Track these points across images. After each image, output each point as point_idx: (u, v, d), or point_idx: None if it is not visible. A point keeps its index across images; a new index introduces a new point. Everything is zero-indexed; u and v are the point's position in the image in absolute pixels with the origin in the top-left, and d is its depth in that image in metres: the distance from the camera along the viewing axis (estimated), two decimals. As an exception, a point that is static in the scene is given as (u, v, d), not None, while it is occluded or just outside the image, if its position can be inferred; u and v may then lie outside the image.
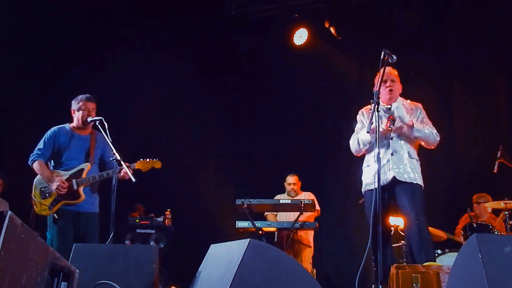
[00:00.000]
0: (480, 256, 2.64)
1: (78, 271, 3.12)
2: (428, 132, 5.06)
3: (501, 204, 6.66)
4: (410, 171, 4.97)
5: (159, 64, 9.33)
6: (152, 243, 7.94)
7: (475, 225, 6.52)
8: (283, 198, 7.30)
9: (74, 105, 5.65)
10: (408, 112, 5.11)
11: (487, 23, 8.13)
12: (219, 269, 3.53)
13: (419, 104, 5.30)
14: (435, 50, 8.36)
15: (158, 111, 9.51)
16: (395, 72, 5.27)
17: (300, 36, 9.25)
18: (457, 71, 8.43)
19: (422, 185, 5.04)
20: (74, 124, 5.67)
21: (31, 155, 5.53)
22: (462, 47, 8.28)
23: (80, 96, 5.65)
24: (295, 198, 7.42)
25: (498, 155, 6.61)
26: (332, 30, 8.88)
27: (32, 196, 5.51)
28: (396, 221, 6.30)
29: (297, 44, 9.27)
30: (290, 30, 9.31)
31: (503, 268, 2.59)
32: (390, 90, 5.13)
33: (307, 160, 9.24)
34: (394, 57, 4.76)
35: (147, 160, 5.53)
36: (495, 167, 6.55)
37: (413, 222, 4.84)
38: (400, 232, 6.59)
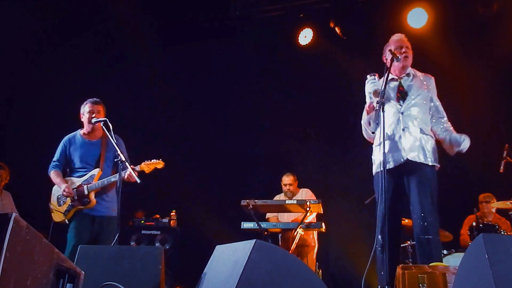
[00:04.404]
0: (486, 256, 2.62)
1: (83, 272, 3.12)
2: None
3: (507, 204, 6.65)
4: (424, 149, 4.70)
5: (162, 66, 9.34)
6: (157, 244, 7.96)
7: (481, 225, 6.49)
8: (282, 199, 7.34)
9: (81, 109, 5.80)
10: (422, 85, 4.91)
11: (490, 22, 8.14)
12: (225, 270, 3.52)
13: (432, 77, 5.06)
14: (439, 49, 8.33)
15: (162, 113, 9.52)
16: (408, 41, 5.06)
17: (305, 36, 9.25)
18: (462, 69, 8.40)
19: (436, 164, 4.77)
20: (84, 129, 5.81)
21: (49, 166, 5.79)
22: (465, 46, 8.27)
23: (86, 100, 5.78)
24: (293, 197, 7.46)
25: (504, 155, 6.56)
26: (337, 30, 8.87)
27: (50, 204, 5.75)
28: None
29: (302, 44, 9.26)
30: (295, 30, 9.30)
31: (510, 268, 2.57)
32: (406, 56, 4.91)
33: (311, 159, 9.24)
34: (399, 57, 4.75)
35: (151, 161, 5.57)
36: (501, 167, 6.50)
37: (419, 223, 4.57)
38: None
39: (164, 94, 9.40)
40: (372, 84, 4.73)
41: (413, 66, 5.11)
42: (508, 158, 6.54)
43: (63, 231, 5.61)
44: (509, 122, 8.01)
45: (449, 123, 4.96)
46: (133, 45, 9.17)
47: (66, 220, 5.59)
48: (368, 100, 4.81)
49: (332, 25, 8.91)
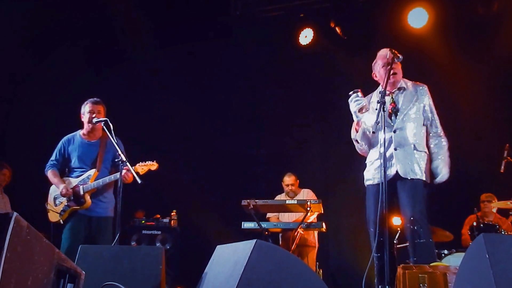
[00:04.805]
0: (487, 256, 2.62)
1: (84, 272, 3.12)
2: (446, 157, 4.82)
3: (507, 204, 6.64)
4: (416, 166, 4.70)
5: (162, 66, 9.33)
6: (158, 244, 7.96)
7: (482, 225, 6.48)
8: (283, 199, 7.35)
9: (82, 109, 5.80)
10: (413, 97, 4.84)
11: (491, 22, 8.14)
12: (225, 270, 3.53)
13: (425, 85, 4.96)
14: (440, 49, 8.33)
15: (161, 113, 9.52)
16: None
17: (306, 36, 9.23)
18: (463, 69, 8.40)
19: (427, 180, 4.76)
20: (84, 130, 5.82)
21: (46, 165, 5.80)
22: (466, 46, 8.26)
23: (87, 100, 5.79)
24: (294, 198, 7.46)
25: (505, 155, 6.54)
26: (337, 29, 8.87)
27: (46, 204, 5.78)
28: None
29: (303, 44, 9.25)
30: (295, 30, 9.29)
31: (511, 268, 2.57)
32: (394, 73, 4.82)
33: (311, 159, 9.24)
34: (400, 57, 4.73)
35: (145, 163, 5.57)
36: (502, 167, 6.49)
37: (409, 226, 4.60)
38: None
39: (164, 94, 9.39)
40: (355, 102, 4.66)
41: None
42: (508, 158, 6.52)
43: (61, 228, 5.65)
44: (509, 122, 8.00)
45: (443, 139, 4.89)
46: (131, 44, 9.17)
47: (61, 221, 5.61)
48: (355, 119, 4.80)
49: (332, 25, 8.90)
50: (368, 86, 5.05)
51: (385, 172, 4.31)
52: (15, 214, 2.25)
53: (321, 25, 9.13)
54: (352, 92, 4.70)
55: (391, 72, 4.70)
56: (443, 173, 4.76)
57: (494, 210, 7.50)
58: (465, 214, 7.64)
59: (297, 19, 9.29)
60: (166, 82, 9.37)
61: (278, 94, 9.64)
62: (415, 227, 4.56)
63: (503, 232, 6.41)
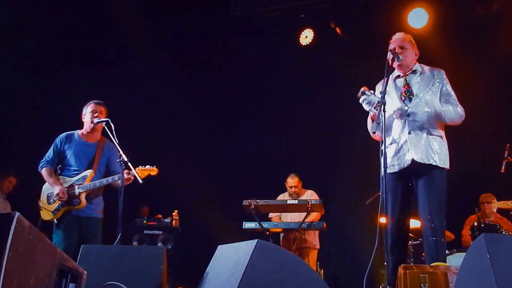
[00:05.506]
0: (488, 256, 2.62)
1: (86, 272, 3.13)
2: (453, 110, 4.65)
3: (508, 204, 6.64)
4: (431, 151, 4.53)
5: (161, 66, 9.33)
6: (159, 244, 7.96)
7: (483, 225, 6.48)
8: (286, 199, 7.33)
9: (84, 110, 5.81)
10: (430, 81, 4.71)
11: (490, 22, 8.15)
12: (226, 270, 3.53)
13: (442, 70, 4.84)
14: (440, 50, 8.33)
15: (163, 113, 9.53)
16: (407, 38, 4.89)
17: (306, 37, 9.23)
18: (463, 69, 8.39)
19: (446, 166, 4.62)
20: (83, 130, 5.81)
21: (41, 161, 5.76)
22: (466, 46, 8.26)
23: (90, 101, 5.79)
24: (298, 198, 7.45)
25: (505, 155, 6.53)
26: (338, 30, 8.87)
27: (39, 201, 5.74)
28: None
29: (303, 44, 9.25)
30: (296, 31, 9.29)
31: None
32: (398, 57, 4.69)
33: (312, 159, 9.24)
34: (400, 57, 4.72)
35: (145, 167, 5.56)
36: (503, 167, 6.47)
37: (426, 225, 4.53)
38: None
39: (164, 94, 9.39)
40: (367, 103, 4.59)
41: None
42: (509, 158, 6.50)
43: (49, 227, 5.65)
44: (509, 122, 8.00)
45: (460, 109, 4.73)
46: (131, 45, 9.18)
47: (55, 220, 5.59)
48: (371, 113, 4.68)
49: (332, 25, 8.90)
50: (369, 87, 5.04)
51: (385, 170, 4.28)
52: (17, 214, 2.26)
53: (321, 26, 9.13)
54: (359, 93, 4.60)
55: (395, 55, 4.65)
56: (450, 113, 4.65)
57: (495, 210, 7.49)
58: (465, 214, 7.64)
59: (297, 20, 9.29)
60: (166, 82, 9.37)
61: (279, 94, 9.64)
62: (432, 225, 4.51)
63: (504, 232, 6.41)
